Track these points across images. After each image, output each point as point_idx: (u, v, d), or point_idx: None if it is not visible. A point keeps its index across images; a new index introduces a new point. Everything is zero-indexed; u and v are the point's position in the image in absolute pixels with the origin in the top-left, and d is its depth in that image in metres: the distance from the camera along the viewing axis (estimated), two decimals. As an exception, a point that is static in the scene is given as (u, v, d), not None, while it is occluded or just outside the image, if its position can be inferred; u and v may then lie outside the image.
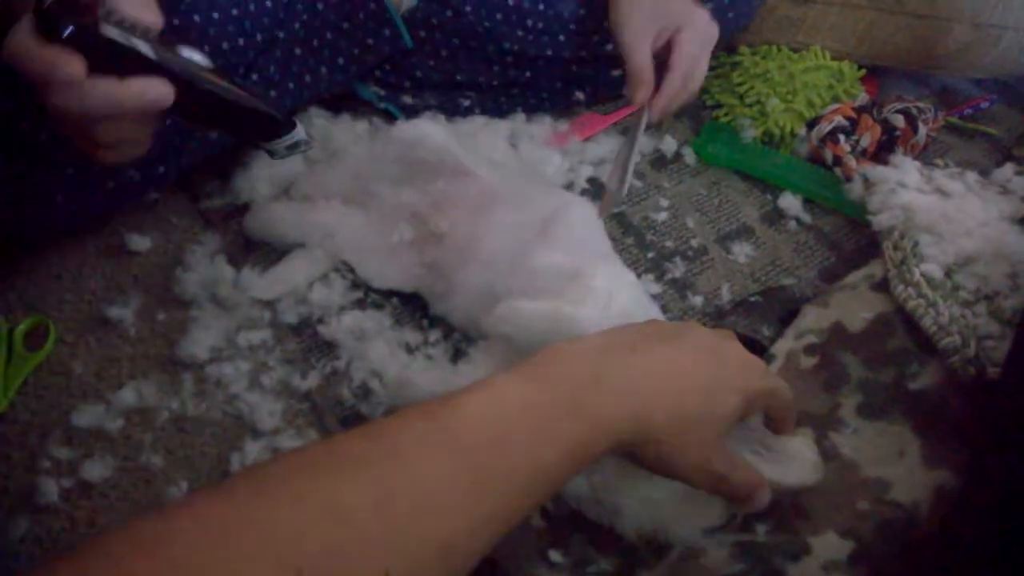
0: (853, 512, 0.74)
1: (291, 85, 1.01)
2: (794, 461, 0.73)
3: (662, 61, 0.97)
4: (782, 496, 0.74)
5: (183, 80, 0.60)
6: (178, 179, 1.02)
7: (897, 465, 0.78)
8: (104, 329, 0.92)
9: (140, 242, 0.99)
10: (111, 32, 0.57)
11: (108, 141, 0.62)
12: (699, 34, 0.97)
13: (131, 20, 0.58)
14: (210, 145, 0.98)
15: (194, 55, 0.62)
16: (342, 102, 1.09)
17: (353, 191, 0.97)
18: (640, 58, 0.96)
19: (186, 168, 0.99)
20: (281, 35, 0.97)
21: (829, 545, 0.72)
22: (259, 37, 0.96)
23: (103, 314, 0.93)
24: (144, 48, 0.58)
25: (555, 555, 0.71)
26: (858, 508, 0.75)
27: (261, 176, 0.99)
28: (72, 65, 0.55)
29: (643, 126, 0.98)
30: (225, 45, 0.93)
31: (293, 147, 0.72)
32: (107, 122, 0.60)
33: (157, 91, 0.58)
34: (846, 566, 0.71)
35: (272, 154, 0.72)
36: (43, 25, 0.55)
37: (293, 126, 0.70)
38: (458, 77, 1.11)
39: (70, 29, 0.55)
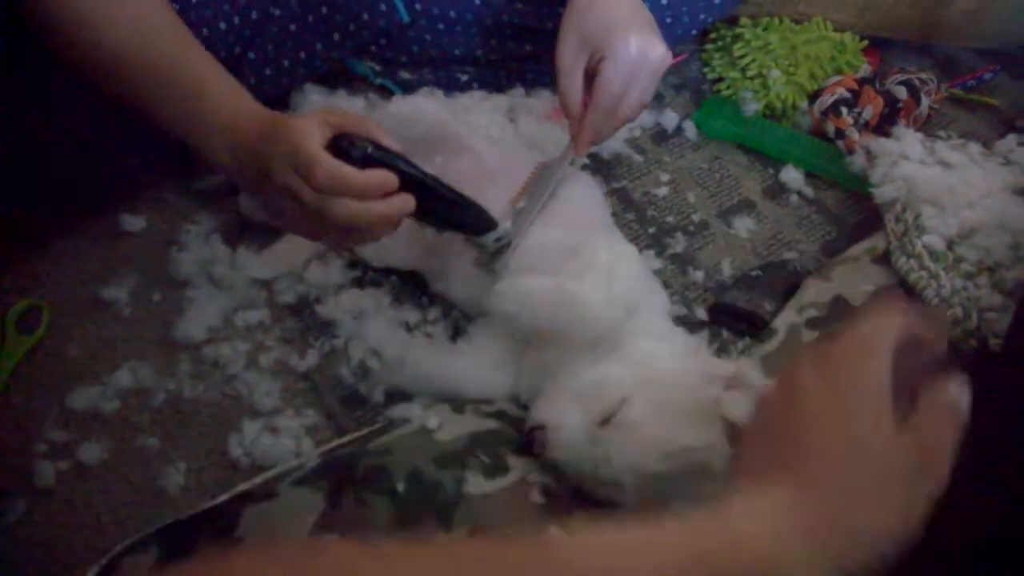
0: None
1: (286, 62, 1.00)
2: None
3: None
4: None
5: (424, 188, 0.74)
6: (172, 159, 1.00)
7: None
8: (99, 311, 0.92)
9: (134, 222, 0.98)
10: (390, 157, 0.72)
11: (359, 239, 0.77)
12: (626, 64, 0.86)
13: (389, 145, 0.73)
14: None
15: (424, 168, 0.74)
16: (338, 78, 1.08)
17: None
18: (565, 85, 0.89)
19: (182, 151, 0.98)
20: (276, 12, 0.96)
21: None
22: (254, 15, 0.95)
23: (98, 296, 0.92)
24: (405, 167, 0.72)
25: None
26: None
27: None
28: (392, 181, 0.71)
29: (565, 161, 0.91)
30: (222, 24, 0.92)
31: (499, 241, 0.82)
32: (373, 226, 0.73)
33: (408, 206, 0.73)
34: None
35: (484, 248, 0.82)
36: (333, 148, 0.70)
37: (496, 224, 0.81)
38: (455, 51, 1.09)
39: (366, 156, 0.70)
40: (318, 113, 0.72)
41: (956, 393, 0.54)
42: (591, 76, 0.88)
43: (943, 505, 0.71)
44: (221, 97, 0.77)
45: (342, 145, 0.70)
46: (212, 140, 0.76)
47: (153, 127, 0.82)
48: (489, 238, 0.81)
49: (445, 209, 0.77)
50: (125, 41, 0.77)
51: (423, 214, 0.75)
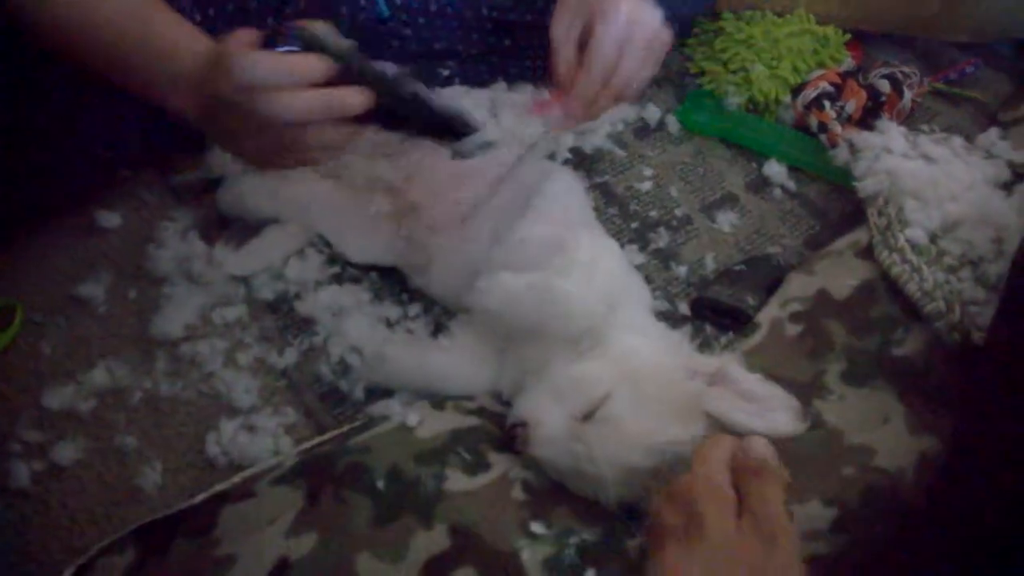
0: (839, 479, 0.74)
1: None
2: (779, 412, 0.72)
3: None
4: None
5: (382, 87, 0.67)
6: (148, 155, 0.99)
7: (882, 431, 0.78)
8: (74, 308, 0.90)
9: (110, 219, 0.97)
10: (327, 45, 0.65)
11: (312, 144, 0.69)
12: (616, 29, 0.82)
13: (336, 41, 0.66)
14: (182, 120, 0.95)
15: (387, 67, 0.68)
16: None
17: (327, 163, 0.94)
18: (558, 55, 0.86)
19: (157, 144, 0.97)
20: (253, 4, 0.95)
21: (811, 515, 0.71)
22: (230, 7, 0.93)
23: (73, 293, 0.91)
24: (352, 61, 0.66)
25: (537, 527, 0.71)
26: (843, 474, 0.74)
27: (234, 150, 0.96)
28: (323, 63, 0.65)
29: (553, 132, 0.89)
30: (196, 16, 0.90)
31: (483, 146, 0.74)
32: (313, 128, 0.67)
33: (359, 97, 0.66)
34: (828, 534, 0.70)
35: (463, 155, 0.73)
36: (271, 43, 0.65)
37: (480, 127, 0.73)
38: (436, 46, 1.08)
39: (297, 45, 0.64)
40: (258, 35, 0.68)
41: (759, 451, 0.61)
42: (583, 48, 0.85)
43: (929, 505, 0.71)
44: (190, 52, 0.73)
45: (269, 39, 0.65)
46: (178, 88, 0.72)
47: (128, 117, 0.81)
48: (469, 143, 0.73)
49: (411, 111, 0.70)
50: (93, 8, 0.74)
51: (384, 119, 0.69)
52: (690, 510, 0.60)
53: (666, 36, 0.86)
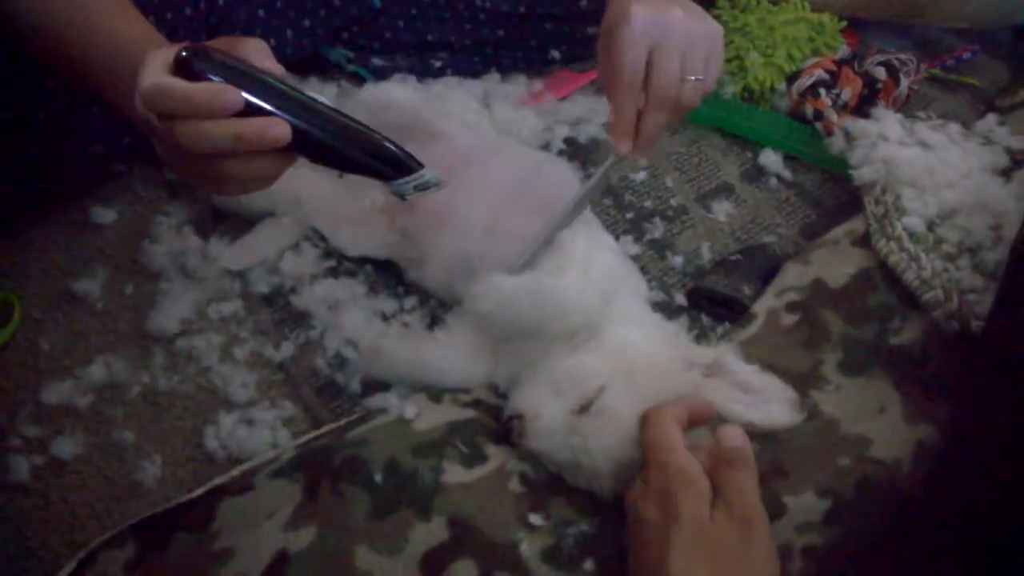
0: (834, 469, 0.74)
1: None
2: (775, 403, 0.73)
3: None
4: (765, 446, 0.74)
5: (305, 118, 0.61)
6: (143, 149, 0.99)
7: (878, 421, 0.77)
8: (71, 304, 0.90)
9: (105, 214, 0.96)
10: (250, 72, 0.60)
11: (230, 176, 0.63)
12: (631, 34, 0.74)
13: (259, 67, 0.61)
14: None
15: (318, 97, 0.63)
16: (309, 65, 1.07)
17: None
18: (613, 82, 0.77)
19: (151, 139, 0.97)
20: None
21: (805, 507, 0.72)
22: (221, 0, 0.93)
23: (69, 289, 0.91)
24: (276, 87, 0.60)
25: (535, 518, 0.71)
26: (839, 465, 0.74)
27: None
28: (233, 94, 0.58)
29: (602, 169, 0.82)
30: (187, 10, 0.90)
31: (422, 187, 0.67)
32: (233, 159, 0.61)
33: (277, 129, 0.60)
34: (821, 526, 0.71)
35: (401, 196, 0.67)
36: (183, 70, 0.59)
37: (420, 166, 0.66)
38: (429, 37, 1.08)
39: (214, 74, 0.59)
40: (180, 45, 0.62)
41: (732, 439, 0.66)
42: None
43: (927, 494, 0.71)
44: (130, 59, 0.66)
45: (184, 58, 0.59)
46: (125, 101, 0.67)
47: (109, 112, 0.80)
48: (407, 183, 0.66)
49: (342, 147, 0.63)
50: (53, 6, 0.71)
51: (314, 153, 0.63)
52: (666, 500, 0.63)
53: (710, 30, 0.78)
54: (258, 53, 0.62)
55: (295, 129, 0.60)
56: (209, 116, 0.58)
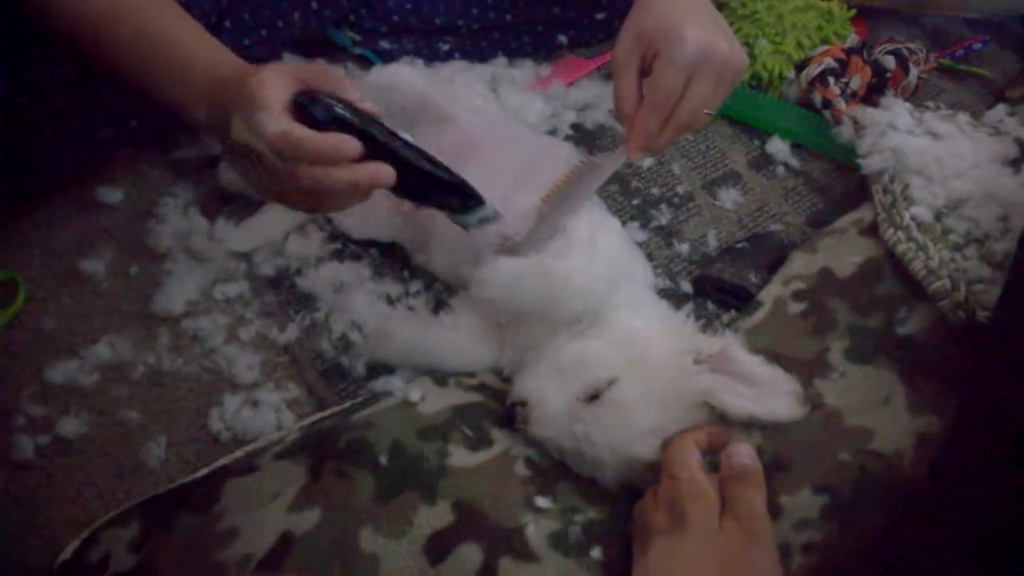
0: (834, 463, 0.73)
1: (264, 31, 0.98)
2: (779, 395, 0.73)
3: None
4: (764, 438, 0.73)
5: (400, 162, 0.68)
6: (150, 130, 0.99)
7: (881, 412, 0.77)
8: (76, 284, 0.90)
9: (111, 195, 0.96)
10: (358, 118, 0.66)
11: (331, 206, 0.71)
12: (681, 61, 0.76)
13: (362, 109, 0.67)
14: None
15: (406, 136, 0.70)
16: (317, 48, 1.06)
17: None
18: (618, 84, 0.81)
19: (160, 122, 0.97)
20: None
21: (801, 503, 0.71)
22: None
23: (75, 268, 0.91)
24: (378, 134, 0.67)
25: (542, 501, 0.71)
26: (839, 459, 0.74)
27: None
28: (352, 145, 0.65)
29: (612, 164, 0.83)
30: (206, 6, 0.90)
31: (484, 220, 0.75)
32: (340, 194, 0.68)
33: (385, 173, 0.67)
34: (818, 522, 0.70)
35: (466, 226, 0.76)
36: (298, 111, 0.65)
37: (483, 202, 0.74)
38: (436, 21, 1.08)
39: (331, 117, 0.65)
40: (286, 65, 0.68)
41: (742, 456, 0.69)
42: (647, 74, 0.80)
43: (930, 482, 0.71)
44: (207, 61, 0.73)
45: (301, 103, 0.65)
46: (198, 104, 0.72)
47: (133, 97, 0.80)
48: (472, 217, 0.75)
49: (424, 183, 0.71)
50: (109, 9, 0.74)
51: (399, 187, 0.69)
52: (675, 510, 0.65)
53: (738, 64, 0.80)
54: (341, 83, 0.68)
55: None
56: (331, 164, 0.65)
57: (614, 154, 0.83)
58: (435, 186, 0.72)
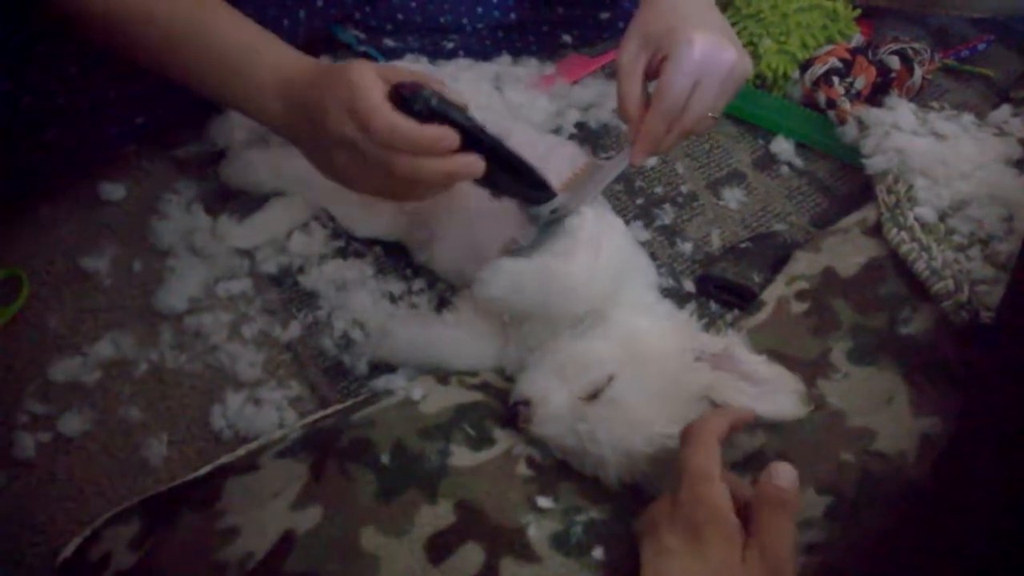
0: (837, 464, 0.73)
1: (269, 30, 0.98)
2: (782, 395, 0.72)
3: None
4: (768, 438, 0.74)
5: (489, 153, 0.70)
6: (153, 127, 0.98)
7: (884, 412, 0.77)
8: (79, 281, 0.90)
9: (114, 191, 0.96)
10: (453, 111, 0.67)
11: (417, 195, 0.73)
12: (688, 66, 0.77)
13: (453, 99, 0.68)
14: (188, 94, 0.95)
15: (487, 128, 0.70)
16: (321, 46, 1.06)
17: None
18: (623, 87, 0.81)
19: (164, 119, 0.97)
20: None
21: (804, 504, 0.71)
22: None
23: (78, 265, 0.91)
24: (469, 125, 0.68)
25: (544, 501, 0.70)
26: (842, 460, 0.74)
27: (237, 122, 0.96)
28: (452, 138, 0.66)
29: (617, 167, 0.84)
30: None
31: (555, 212, 0.78)
32: (433, 184, 0.70)
33: (478, 165, 0.69)
34: (822, 522, 0.70)
35: (537, 218, 0.78)
36: (397, 101, 0.66)
37: (555, 194, 0.77)
38: (441, 19, 1.07)
39: (429, 110, 0.66)
40: (371, 65, 0.69)
41: (783, 478, 0.63)
42: (653, 77, 0.81)
43: (934, 483, 0.71)
44: (272, 55, 0.74)
45: (403, 96, 0.66)
46: (264, 97, 0.73)
47: (138, 95, 0.80)
48: (545, 208, 0.78)
49: (506, 173, 0.73)
50: (165, 13, 0.74)
51: (484, 177, 0.71)
52: (694, 535, 0.61)
53: (743, 68, 0.81)
54: (424, 78, 0.69)
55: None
56: (432, 155, 0.67)
57: (619, 156, 0.84)
58: (517, 178, 0.75)
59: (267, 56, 0.74)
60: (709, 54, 0.77)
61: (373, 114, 0.65)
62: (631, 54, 0.80)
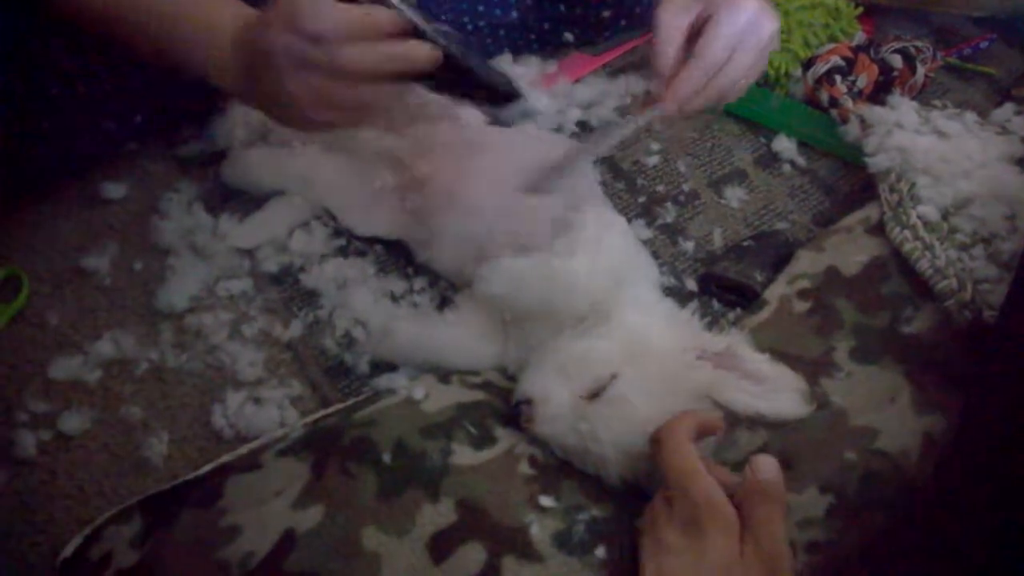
0: (839, 463, 0.73)
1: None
2: (784, 394, 0.72)
3: None
4: (771, 437, 0.74)
5: (442, 46, 0.65)
6: (154, 126, 0.98)
7: (887, 411, 0.77)
8: (80, 279, 0.90)
9: (115, 190, 0.96)
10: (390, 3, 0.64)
11: (369, 102, 0.67)
12: (734, 27, 0.78)
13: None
14: (188, 92, 0.95)
15: (442, 27, 0.66)
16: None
17: (332, 135, 0.94)
18: (663, 38, 0.80)
19: (163, 116, 0.96)
20: None
21: (806, 503, 0.71)
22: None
23: (78, 264, 0.90)
24: (415, 17, 0.64)
25: (546, 500, 0.70)
26: (844, 458, 0.73)
27: (238, 121, 0.96)
28: (388, 15, 0.63)
29: (642, 122, 0.84)
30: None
31: (524, 114, 0.73)
32: (367, 84, 0.65)
33: (424, 53, 0.65)
34: (823, 521, 0.70)
35: (503, 122, 0.73)
36: None
37: (521, 95, 0.71)
38: (442, 18, 1.07)
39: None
40: None
41: (766, 471, 0.63)
42: (691, 38, 0.80)
43: (936, 483, 0.70)
44: (232, 15, 0.72)
45: None
46: (227, 61, 0.71)
47: (137, 90, 0.80)
48: (512, 112, 0.72)
49: (462, 73, 0.68)
50: None
51: (435, 78, 0.67)
52: (692, 530, 0.62)
53: (776, 41, 0.82)
54: None
55: None
56: (364, 37, 0.63)
57: (643, 104, 0.82)
58: (474, 76, 0.69)
59: (226, 10, 0.72)
60: (754, 20, 0.78)
61: (307, 7, 0.62)
62: (673, 11, 0.80)
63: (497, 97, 0.71)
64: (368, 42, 0.64)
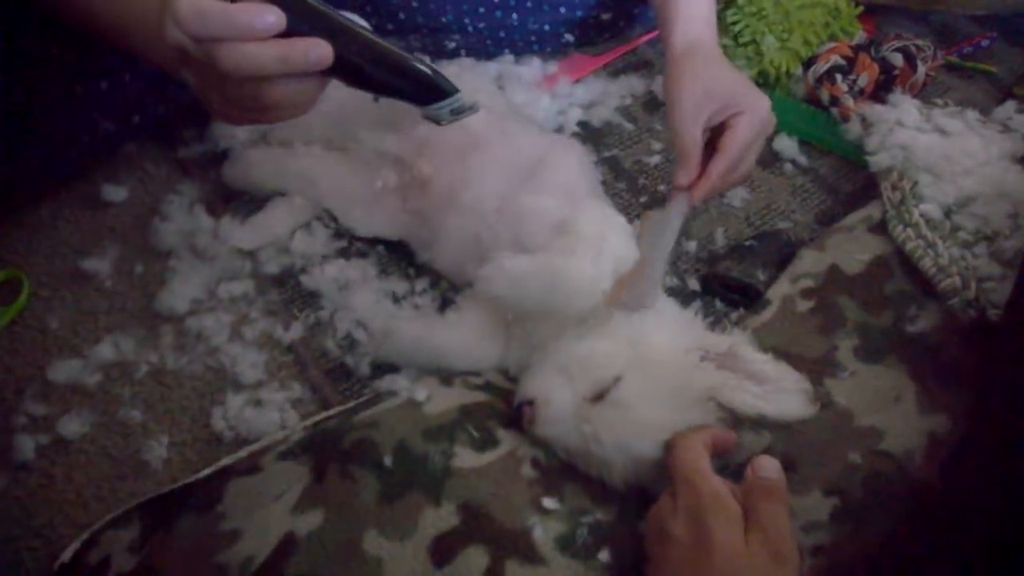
0: (844, 465, 0.73)
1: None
2: (788, 394, 0.72)
3: (709, 143, 0.88)
4: (775, 438, 0.73)
5: (344, 40, 0.61)
6: (154, 128, 0.98)
7: (892, 411, 0.76)
8: (80, 282, 0.90)
9: (116, 192, 0.96)
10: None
11: (272, 102, 0.63)
12: (758, 124, 0.87)
13: None
14: (187, 93, 0.94)
15: (355, 18, 0.63)
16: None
17: (334, 136, 0.93)
18: (689, 140, 0.85)
19: (162, 117, 0.96)
20: None
21: (811, 506, 0.70)
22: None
23: (79, 267, 0.90)
24: (313, 10, 0.60)
25: (549, 502, 0.70)
26: (849, 460, 0.73)
27: (240, 123, 0.95)
28: (275, 14, 0.58)
29: (682, 214, 0.86)
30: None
31: (458, 111, 0.68)
32: (273, 82, 0.62)
33: (321, 50, 0.60)
34: (828, 524, 0.70)
35: (438, 121, 0.68)
36: None
37: (455, 90, 0.67)
38: (443, 19, 1.07)
39: None
40: None
41: (767, 470, 0.66)
42: (712, 132, 0.87)
43: (942, 482, 0.70)
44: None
45: None
46: (148, 43, 0.69)
47: (134, 90, 0.79)
48: (443, 109, 0.67)
49: (377, 68, 0.64)
50: None
51: (353, 74, 0.63)
52: (697, 523, 0.62)
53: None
54: None
55: (335, 52, 0.61)
56: (251, 38, 0.58)
57: (676, 203, 0.86)
58: (393, 74, 0.65)
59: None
60: (768, 118, 0.89)
61: (181, 8, 0.57)
62: (693, 107, 0.85)
63: (422, 93, 0.67)
64: (252, 43, 0.59)
